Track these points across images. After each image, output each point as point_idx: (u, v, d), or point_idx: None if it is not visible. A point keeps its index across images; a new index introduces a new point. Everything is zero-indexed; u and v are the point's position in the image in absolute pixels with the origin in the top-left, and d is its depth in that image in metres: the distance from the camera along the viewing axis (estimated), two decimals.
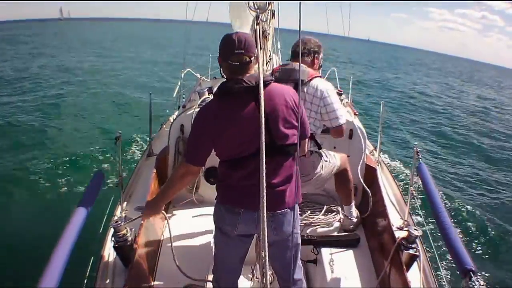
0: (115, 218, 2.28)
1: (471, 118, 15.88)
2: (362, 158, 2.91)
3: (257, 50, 1.42)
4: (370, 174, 3.00)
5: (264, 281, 1.18)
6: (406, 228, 2.26)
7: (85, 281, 2.01)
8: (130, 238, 2.08)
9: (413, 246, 2.10)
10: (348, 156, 2.85)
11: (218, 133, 1.60)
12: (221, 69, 1.66)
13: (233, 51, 1.55)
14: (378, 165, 3.24)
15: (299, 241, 1.89)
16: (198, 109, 2.97)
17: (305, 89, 2.27)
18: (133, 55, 27.95)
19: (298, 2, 1.39)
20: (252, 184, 1.50)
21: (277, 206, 1.64)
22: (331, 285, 2.24)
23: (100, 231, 2.36)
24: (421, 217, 3.15)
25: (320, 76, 2.40)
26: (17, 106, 11.12)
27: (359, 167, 2.84)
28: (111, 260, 2.17)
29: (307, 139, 1.94)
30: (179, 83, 5.04)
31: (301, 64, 2.26)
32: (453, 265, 2.14)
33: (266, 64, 2.59)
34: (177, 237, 2.62)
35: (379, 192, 2.75)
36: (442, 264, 3.49)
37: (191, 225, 2.78)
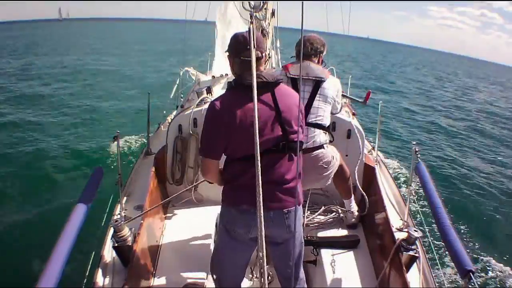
0: (115, 217, 2.28)
1: (471, 117, 15.87)
2: (360, 157, 2.92)
3: (251, 49, 1.42)
4: (369, 173, 3.00)
5: (263, 281, 1.18)
6: (406, 229, 2.26)
7: (85, 281, 2.02)
8: (129, 238, 2.08)
9: (413, 247, 2.09)
10: (346, 156, 2.90)
11: (232, 124, 1.58)
12: (232, 66, 1.70)
13: (246, 47, 1.56)
14: (376, 164, 3.25)
15: (303, 239, 1.89)
16: (197, 109, 2.99)
17: (324, 86, 2.38)
18: (133, 54, 27.92)
19: (299, 2, 1.38)
20: (265, 182, 1.36)
21: (290, 203, 1.65)
22: (330, 286, 2.24)
23: (100, 229, 2.36)
24: (420, 216, 3.15)
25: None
26: (17, 105, 11.12)
27: (357, 167, 2.84)
28: (110, 260, 2.16)
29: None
30: (177, 83, 5.02)
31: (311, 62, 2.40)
32: (453, 265, 2.13)
33: (265, 62, 2.59)
34: (177, 237, 2.62)
35: (378, 192, 2.75)
36: (442, 264, 3.49)
37: (191, 224, 2.78)
